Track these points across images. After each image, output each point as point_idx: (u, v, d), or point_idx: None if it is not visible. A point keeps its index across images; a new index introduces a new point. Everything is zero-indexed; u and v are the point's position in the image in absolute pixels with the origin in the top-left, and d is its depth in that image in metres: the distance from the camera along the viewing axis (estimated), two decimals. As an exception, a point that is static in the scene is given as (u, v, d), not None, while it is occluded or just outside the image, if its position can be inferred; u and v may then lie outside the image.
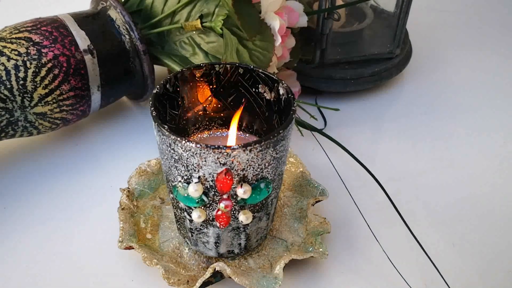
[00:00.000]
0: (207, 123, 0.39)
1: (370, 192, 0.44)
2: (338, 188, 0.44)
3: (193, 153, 0.30)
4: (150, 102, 0.33)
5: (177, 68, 0.46)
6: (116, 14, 0.45)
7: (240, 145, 0.30)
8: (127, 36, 0.45)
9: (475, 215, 0.43)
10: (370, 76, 0.53)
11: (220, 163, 0.30)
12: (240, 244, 0.36)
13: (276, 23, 0.41)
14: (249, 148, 0.30)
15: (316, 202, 0.40)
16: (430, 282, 0.37)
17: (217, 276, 0.36)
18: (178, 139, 0.30)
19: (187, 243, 0.38)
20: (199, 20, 0.44)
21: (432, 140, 0.50)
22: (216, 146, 0.30)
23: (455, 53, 0.63)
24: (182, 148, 0.30)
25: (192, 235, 0.36)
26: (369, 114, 0.53)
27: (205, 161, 0.30)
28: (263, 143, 0.30)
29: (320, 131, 0.46)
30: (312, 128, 0.46)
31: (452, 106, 0.55)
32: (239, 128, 0.40)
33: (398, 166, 0.47)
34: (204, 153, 0.30)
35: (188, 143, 0.30)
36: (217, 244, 0.36)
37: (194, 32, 0.45)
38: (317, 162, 0.46)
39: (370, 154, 0.48)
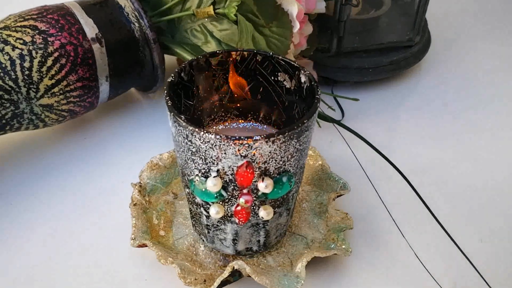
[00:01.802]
0: (223, 114, 0.37)
1: (393, 185, 0.42)
2: (359, 181, 0.42)
3: (212, 145, 0.28)
4: (165, 91, 0.31)
5: (189, 57, 0.44)
6: (124, 1, 0.44)
7: (262, 136, 0.28)
8: (136, 24, 0.44)
9: (502, 209, 0.41)
10: (388, 65, 0.51)
11: (241, 156, 0.28)
12: (259, 241, 0.34)
13: (294, 9, 0.40)
14: (272, 139, 0.28)
15: (338, 196, 0.39)
16: (459, 279, 0.35)
17: (236, 275, 0.35)
18: (196, 130, 0.28)
19: (203, 240, 0.36)
20: (211, 7, 0.42)
21: (455, 131, 0.48)
22: (237, 137, 0.28)
23: (476, 41, 0.61)
24: (200, 139, 0.28)
25: (208, 232, 0.34)
26: (388, 104, 0.51)
27: (225, 153, 0.28)
28: (286, 134, 0.28)
29: (339, 123, 0.44)
30: (331, 120, 0.44)
31: (474, 95, 0.53)
32: (256, 119, 0.38)
33: (419, 158, 0.45)
34: (224, 145, 0.28)
35: (207, 134, 0.28)
36: (235, 241, 0.34)
37: (206, 19, 0.43)
38: (335, 154, 0.44)
39: (390, 146, 0.46)
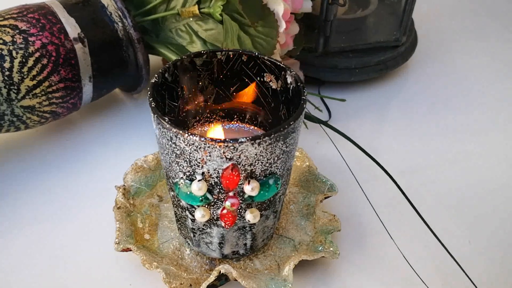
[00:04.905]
0: (208, 115, 0.37)
1: (381, 186, 0.41)
2: (347, 182, 0.41)
3: (196, 147, 0.28)
4: (149, 93, 0.30)
5: (173, 57, 0.43)
6: (107, 0, 0.43)
7: (248, 138, 0.27)
8: (120, 24, 0.43)
9: (490, 210, 0.41)
10: (375, 65, 0.51)
11: (226, 158, 0.28)
12: (245, 244, 0.34)
13: (280, 8, 0.39)
14: (257, 141, 0.28)
15: (325, 198, 0.38)
16: (447, 281, 0.35)
17: (222, 279, 0.34)
18: (181, 132, 0.28)
19: (189, 243, 0.35)
20: (196, 6, 0.41)
21: (442, 131, 0.48)
22: (222, 139, 0.27)
23: (462, 41, 0.61)
24: (184, 142, 0.28)
25: (194, 236, 0.34)
26: (375, 104, 0.51)
27: (210, 155, 0.28)
28: (272, 135, 0.28)
29: (326, 123, 0.43)
30: (318, 121, 0.44)
31: (461, 95, 0.53)
32: (242, 120, 0.37)
33: (407, 159, 0.45)
34: (209, 147, 0.27)
35: (191, 136, 0.27)
36: (221, 244, 0.33)
37: (191, 19, 0.43)
38: (322, 155, 0.44)
39: (377, 147, 0.46)
